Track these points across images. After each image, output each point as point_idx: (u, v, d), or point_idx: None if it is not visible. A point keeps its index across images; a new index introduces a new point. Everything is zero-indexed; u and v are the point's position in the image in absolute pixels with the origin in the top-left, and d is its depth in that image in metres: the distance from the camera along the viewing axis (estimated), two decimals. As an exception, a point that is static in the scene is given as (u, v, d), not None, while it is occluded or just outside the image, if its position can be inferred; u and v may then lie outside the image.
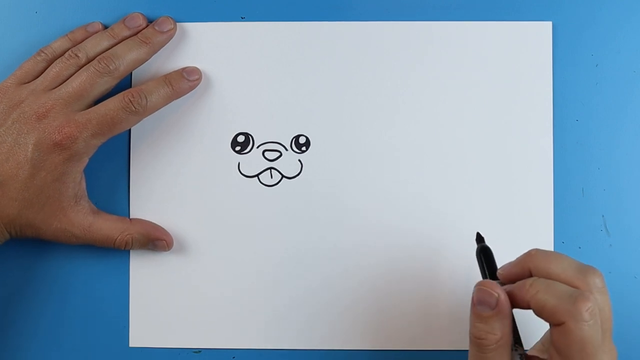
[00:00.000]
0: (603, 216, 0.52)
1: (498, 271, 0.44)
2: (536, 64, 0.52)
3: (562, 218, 0.52)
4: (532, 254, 0.42)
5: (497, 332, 0.40)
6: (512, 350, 0.41)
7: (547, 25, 0.52)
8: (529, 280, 0.41)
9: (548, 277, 0.41)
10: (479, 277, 0.46)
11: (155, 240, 0.51)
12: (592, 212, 0.52)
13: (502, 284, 0.43)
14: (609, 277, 0.52)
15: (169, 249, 0.52)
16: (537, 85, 0.52)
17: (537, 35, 0.52)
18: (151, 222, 0.52)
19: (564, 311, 0.39)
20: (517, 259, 0.43)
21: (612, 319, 0.41)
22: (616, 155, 0.52)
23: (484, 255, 0.45)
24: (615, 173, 0.52)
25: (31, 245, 0.52)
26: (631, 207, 0.52)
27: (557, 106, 0.52)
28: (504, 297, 0.40)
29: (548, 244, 0.52)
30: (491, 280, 0.42)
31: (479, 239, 0.47)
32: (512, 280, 0.42)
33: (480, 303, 0.41)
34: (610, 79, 0.52)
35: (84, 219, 0.49)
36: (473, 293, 0.41)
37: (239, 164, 0.52)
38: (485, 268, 0.45)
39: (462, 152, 0.52)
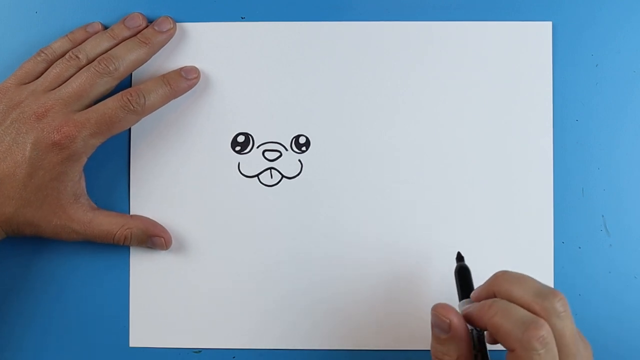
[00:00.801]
0: (603, 216, 0.52)
1: (472, 294, 0.44)
2: (536, 64, 0.52)
3: (562, 218, 0.52)
4: (498, 276, 0.42)
5: (453, 353, 0.40)
6: None
7: (547, 25, 0.52)
8: (489, 301, 0.41)
9: (510, 300, 0.40)
10: (475, 280, 0.46)
11: (153, 236, 0.51)
12: (592, 212, 0.52)
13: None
14: (608, 277, 0.52)
15: (167, 248, 0.52)
16: (537, 85, 0.52)
17: (537, 35, 0.52)
18: (151, 219, 0.52)
19: (514, 338, 0.38)
20: (487, 280, 0.43)
21: (575, 343, 0.39)
22: (616, 155, 0.52)
23: (460, 275, 0.46)
24: (615, 173, 0.52)
25: (30, 244, 0.52)
26: (631, 207, 0.52)
27: (557, 106, 0.52)
28: (457, 322, 0.40)
29: (548, 244, 0.52)
30: (446, 305, 0.42)
31: (459, 257, 0.47)
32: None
33: (435, 326, 0.41)
34: (610, 79, 0.52)
35: (84, 215, 0.49)
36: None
37: (239, 164, 0.52)
38: (460, 288, 0.46)
39: (462, 152, 0.52)
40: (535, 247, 0.52)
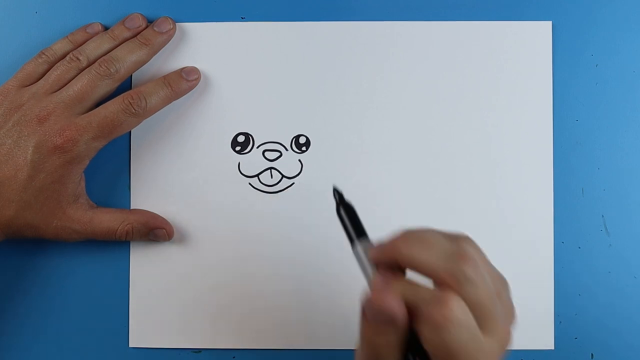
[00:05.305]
0: (603, 216, 0.52)
1: (370, 254, 0.38)
2: (536, 64, 0.52)
3: (562, 218, 0.52)
4: (398, 239, 0.37)
5: (392, 337, 0.36)
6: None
7: (547, 25, 0.52)
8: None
9: (413, 267, 0.36)
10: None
11: (155, 229, 0.51)
12: (592, 212, 0.52)
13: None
14: (608, 277, 0.52)
15: (169, 239, 0.51)
16: (537, 85, 0.52)
17: (537, 35, 0.52)
18: (151, 212, 0.52)
19: (420, 317, 0.35)
20: (387, 242, 0.38)
21: (494, 304, 0.35)
22: (616, 155, 0.52)
23: (349, 215, 0.41)
24: (615, 173, 0.52)
25: (29, 244, 0.52)
26: (631, 207, 0.52)
27: (557, 106, 0.52)
28: (398, 306, 0.35)
29: (548, 244, 0.52)
30: (381, 290, 0.36)
31: (337, 194, 0.41)
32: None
33: (375, 318, 0.36)
34: (610, 79, 0.52)
35: (84, 215, 0.50)
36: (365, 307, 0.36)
37: (239, 164, 0.53)
38: (353, 228, 0.40)
39: (463, 152, 0.52)
40: (535, 247, 0.52)
